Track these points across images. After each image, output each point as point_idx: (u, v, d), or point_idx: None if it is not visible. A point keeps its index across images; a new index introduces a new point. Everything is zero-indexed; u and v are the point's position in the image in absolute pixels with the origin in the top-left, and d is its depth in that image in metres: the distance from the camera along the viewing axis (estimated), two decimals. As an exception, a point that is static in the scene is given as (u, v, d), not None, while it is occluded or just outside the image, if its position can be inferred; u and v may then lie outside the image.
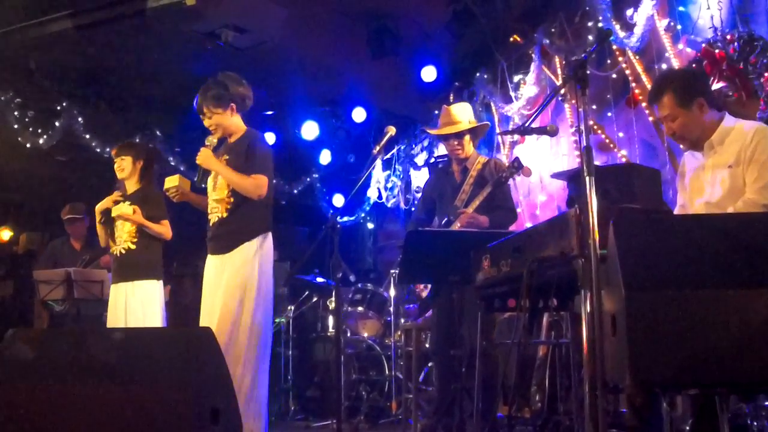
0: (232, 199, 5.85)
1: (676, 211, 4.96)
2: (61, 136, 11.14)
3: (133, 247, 7.02)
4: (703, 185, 4.72)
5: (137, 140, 7.88)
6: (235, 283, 5.67)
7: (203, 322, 5.72)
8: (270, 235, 5.93)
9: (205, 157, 5.84)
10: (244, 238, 5.76)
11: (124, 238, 7.03)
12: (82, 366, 3.90)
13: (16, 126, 10.85)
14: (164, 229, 7.10)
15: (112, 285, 7.15)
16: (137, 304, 6.90)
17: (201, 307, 5.88)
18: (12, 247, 15.43)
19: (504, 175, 6.30)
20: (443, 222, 6.59)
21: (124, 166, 7.25)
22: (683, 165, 5.00)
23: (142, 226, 6.99)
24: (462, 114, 6.82)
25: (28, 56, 10.33)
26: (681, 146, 5.00)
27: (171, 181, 6.09)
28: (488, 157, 7.34)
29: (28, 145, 11.01)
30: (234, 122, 6.00)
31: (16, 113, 10.85)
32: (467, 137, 6.76)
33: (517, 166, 6.27)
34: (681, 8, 7.40)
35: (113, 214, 7.09)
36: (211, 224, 5.96)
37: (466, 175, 6.68)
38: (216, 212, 5.91)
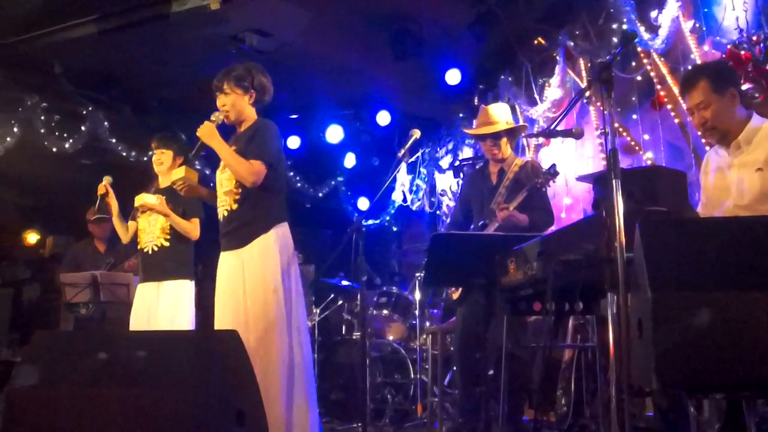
0: (240, 190, 5.61)
1: (698, 209, 4.93)
2: (87, 140, 11.20)
3: (166, 244, 6.88)
4: (729, 185, 4.69)
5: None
6: (259, 279, 5.45)
7: (223, 324, 5.50)
8: (286, 225, 5.71)
9: (207, 130, 5.59)
10: (260, 231, 5.53)
11: (156, 235, 6.89)
12: (107, 368, 3.91)
13: (42, 130, 10.92)
14: (191, 226, 6.91)
15: (140, 283, 7.00)
16: (168, 305, 6.76)
17: (216, 306, 5.64)
18: (38, 251, 15.56)
19: (540, 181, 6.25)
20: (479, 225, 6.56)
21: (164, 160, 7.08)
22: (706, 163, 4.98)
23: (171, 221, 6.84)
24: (500, 114, 6.76)
25: (53, 61, 10.39)
26: (705, 140, 4.96)
27: (177, 173, 5.86)
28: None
29: (53, 149, 11.07)
30: (248, 110, 5.78)
31: (41, 117, 10.92)
32: (504, 138, 6.72)
33: (553, 173, 6.21)
34: (706, 9, 7.36)
35: (136, 204, 6.92)
36: (221, 219, 5.73)
37: (503, 177, 6.64)
38: (225, 205, 5.69)
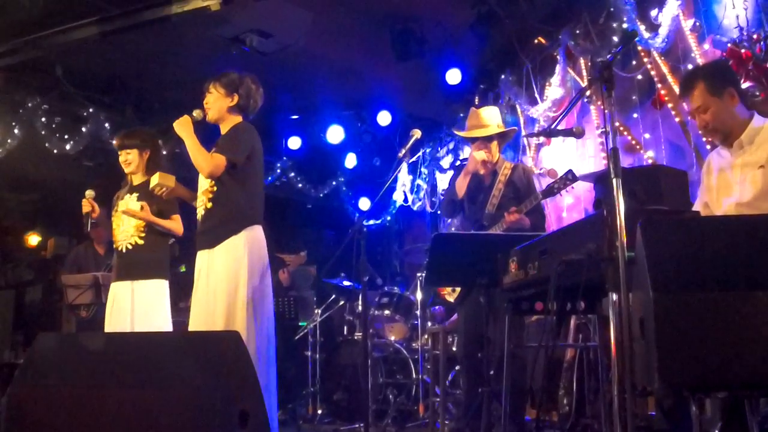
0: (215, 188, 5.76)
1: (697, 209, 4.92)
2: (88, 141, 11.19)
3: (140, 242, 6.70)
4: (731, 184, 4.70)
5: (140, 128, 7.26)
6: (224, 282, 5.55)
7: (197, 324, 5.62)
8: (259, 228, 5.80)
9: (182, 121, 5.83)
10: (230, 232, 5.65)
11: (130, 233, 6.71)
12: (109, 370, 3.92)
13: (43, 132, 10.91)
14: (175, 224, 6.78)
15: (113, 283, 6.78)
16: (145, 305, 6.60)
17: (192, 305, 5.75)
18: (40, 252, 15.56)
19: (556, 187, 6.25)
20: (476, 227, 6.56)
21: (131, 160, 6.89)
22: (708, 164, 4.98)
23: (152, 224, 6.70)
24: (491, 118, 6.80)
25: (55, 63, 10.39)
26: (710, 141, 4.97)
27: (153, 180, 6.04)
28: (513, 161, 7.32)
29: (55, 151, 11.07)
30: (229, 112, 5.96)
31: (43, 119, 10.91)
32: (495, 141, 6.74)
33: (571, 179, 6.20)
34: (706, 8, 7.36)
35: (119, 209, 6.77)
36: (199, 218, 5.88)
37: (495, 179, 6.66)
38: (202, 205, 5.84)
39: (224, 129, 5.98)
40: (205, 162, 5.65)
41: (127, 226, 6.77)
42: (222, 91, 5.91)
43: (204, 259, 5.76)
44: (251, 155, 5.82)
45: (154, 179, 6.00)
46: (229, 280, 5.56)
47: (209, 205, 5.78)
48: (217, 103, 5.93)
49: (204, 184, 5.87)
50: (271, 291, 5.86)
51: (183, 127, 5.81)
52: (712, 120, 4.67)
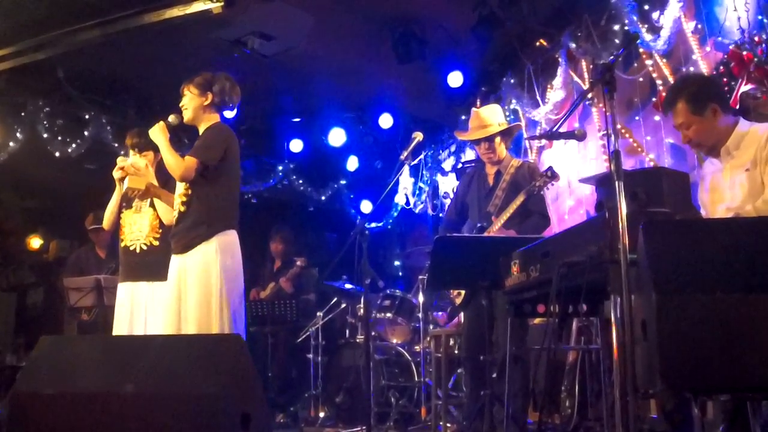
0: (189, 192, 5.77)
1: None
2: (90, 144, 11.18)
3: (156, 243, 6.61)
4: (723, 190, 4.74)
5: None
6: (196, 289, 5.54)
7: (164, 326, 5.64)
8: (233, 233, 5.77)
9: (157, 129, 5.87)
10: (201, 238, 5.63)
11: (145, 233, 6.64)
12: (112, 372, 3.92)
13: (45, 135, 10.91)
14: (168, 210, 6.43)
15: (123, 283, 6.66)
16: (159, 306, 6.39)
17: (163, 311, 5.77)
18: (42, 255, 15.56)
19: (537, 185, 6.24)
20: (476, 229, 6.55)
21: (147, 162, 6.68)
22: (703, 173, 5.02)
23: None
24: (491, 117, 6.76)
25: (57, 65, 10.39)
26: (701, 152, 5.00)
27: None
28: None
29: (57, 154, 11.06)
30: (205, 111, 5.97)
31: (45, 122, 10.91)
32: (498, 139, 6.70)
33: (550, 176, 6.19)
34: (707, 11, 7.35)
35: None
36: (174, 221, 5.91)
37: (500, 179, 6.62)
38: (176, 208, 5.85)
39: (201, 130, 5.98)
40: (177, 165, 5.65)
41: (140, 225, 6.69)
42: (195, 91, 5.94)
43: (176, 263, 5.75)
44: (226, 157, 5.81)
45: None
46: (200, 288, 5.54)
47: (182, 208, 5.79)
48: (191, 103, 5.95)
49: (179, 187, 5.87)
50: (244, 298, 5.83)
51: (157, 132, 5.87)
52: (695, 136, 4.74)
